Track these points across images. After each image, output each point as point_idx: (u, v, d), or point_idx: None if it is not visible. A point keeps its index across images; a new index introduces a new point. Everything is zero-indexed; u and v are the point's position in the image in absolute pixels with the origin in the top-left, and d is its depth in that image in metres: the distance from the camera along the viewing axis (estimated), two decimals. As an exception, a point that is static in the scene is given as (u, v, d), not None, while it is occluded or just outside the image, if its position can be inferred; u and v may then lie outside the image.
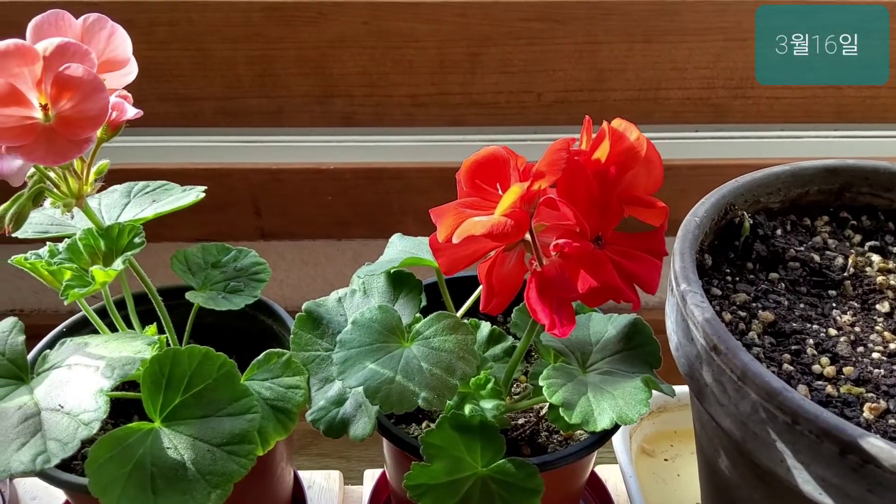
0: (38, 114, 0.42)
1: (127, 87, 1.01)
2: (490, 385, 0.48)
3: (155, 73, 0.94)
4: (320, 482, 0.70)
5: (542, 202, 0.39)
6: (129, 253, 0.49)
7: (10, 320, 0.46)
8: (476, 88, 0.97)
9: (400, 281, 0.53)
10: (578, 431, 0.54)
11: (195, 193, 0.63)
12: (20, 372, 0.44)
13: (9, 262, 0.54)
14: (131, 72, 0.51)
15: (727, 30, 0.95)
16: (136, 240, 0.50)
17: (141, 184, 0.63)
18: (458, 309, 0.58)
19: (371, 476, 0.71)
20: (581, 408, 0.43)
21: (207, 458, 0.46)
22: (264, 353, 0.54)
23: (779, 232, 0.58)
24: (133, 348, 0.42)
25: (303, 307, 0.55)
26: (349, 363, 0.45)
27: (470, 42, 0.93)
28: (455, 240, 0.40)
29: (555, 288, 0.38)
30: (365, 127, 0.99)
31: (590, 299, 0.38)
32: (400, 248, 0.54)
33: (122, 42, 0.49)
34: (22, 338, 0.45)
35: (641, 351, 0.47)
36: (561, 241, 0.38)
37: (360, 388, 0.44)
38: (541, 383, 0.44)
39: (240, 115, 0.97)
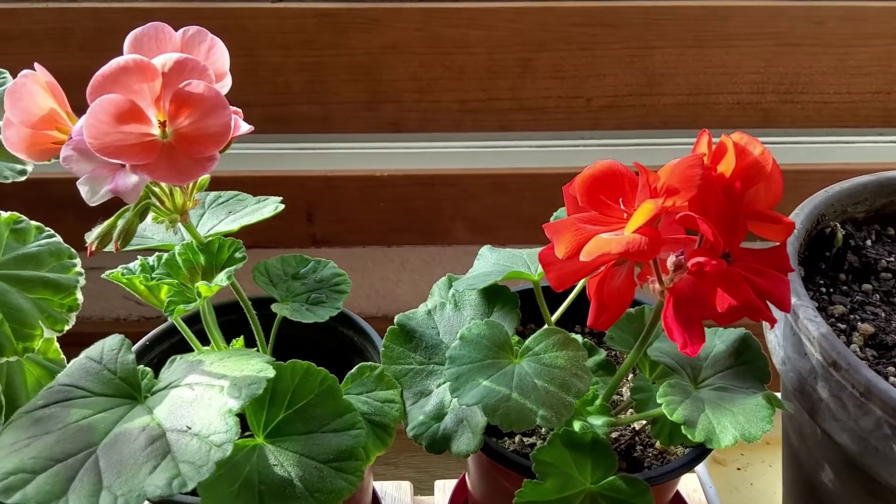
0: (156, 130, 0.41)
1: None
2: (598, 401, 0.47)
3: (205, 79, 0.94)
4: (392, 493, 0.70)
5: (678, 219, 0.38)
6: (231, 268, 0.49)
7: (118, 337, 0.46)
8: (526, 94, 0.96)
9: (494, 294, 0.53)
10: (671, 446, 0.54)
11: (273, 205, 0.62)
12: (133, 391, 0.43)
13: (102, 276, 0.53)
14: (227, 84, 0.51)
15: (779, 35, 0.95)
16: (237, 254, 0.50)
17: (213, 194, 0.63)
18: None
19: (442, 487, 0.71)
20: (702, 425, 0.42)
21: (315, 475, 0.46)
22: (357, 366, 0.54)
23: (868, 242, 0.58)
24: (253, 367, 0.42)
25: (395, 320, 0.55)
26: (462, 380, 0.45)
27: (522, 47, 0.93)
28: (584, 257, 0.39)
29: (692, 307, 0.38)
30: (412, 133, 0.98)
31: (726, 318, 0.38)
32: (493, 261, 0.54)
33: (221, 55, 0.49)
34: (132, 356, 0.44)
35: (752, 366, 0.47)
36: (700, 259, 0.37)
37: (467, 405, 0.44)
38: (658, 401, 0.44)
39: (289, 121, 0.96)
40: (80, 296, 0.52)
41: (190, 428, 0.38)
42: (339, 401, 0.48)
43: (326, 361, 0.60)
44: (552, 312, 0.54)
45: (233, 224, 0.58)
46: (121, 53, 0.99)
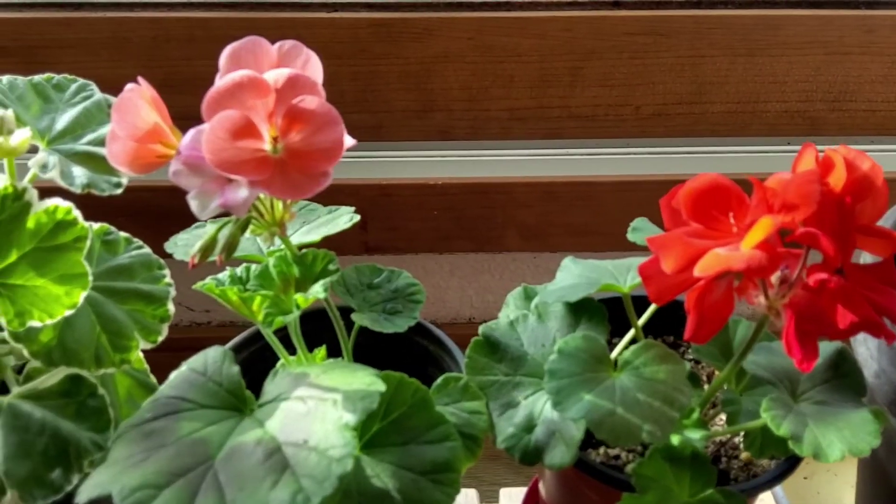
0: (268, 146, 0.42)
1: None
2: (695, 414, 0.47)
3: (257, 88, 0.94)
4: (459, 500, 0.70)
5: (798, 235, 0.38)
6: (326, 280, 0.49)
7: (220, 349, 0.46)
8: (575, 102, 0.96)
9: (580, 306, 0.53)
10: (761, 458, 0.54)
11: (347, 215, 0.63)
12: (239, 403, 0.44)
13: (193, 287, 0.54)
14: (321, 97, 0.51)
15: (828, 43, 0.95)
16: (330, 266, 0.50)
17: (285, 204, 0.63)
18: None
19: (508, 495, 0.71)
20: (809, 440, 0.42)
21: (412, 486, 0.46)
22: (442, 377, 0.54)
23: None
24: (362, 380, 0.42)
25: (479, 331, 0.55)
26: (564, 394, 0.45)
27: (573, 56, 0.93)
28: (700, 273, 0.39)
29: (812, 323, 0.38)
30: (461, 140, 0.99)
31: (844, 334, 0.38)
32: (578, 273, 0.54)
33: (316, 69, 0.49)
34: (236, 368, 0.45)
35: (849, 380, 0.47)
36: (822, 275, 0.37)
37: (572, 419, 0.44)
38: (763, 415, 0.44)
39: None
40: (171, 306, 0.52)
41: (307, 441, 0.39)
42: (432, 412, 0.49)
43: (401, 371, 0.61)
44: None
45: (313, 235, 0.59)
46: (176, 62, 1.00)
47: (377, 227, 0.95)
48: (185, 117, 0.66)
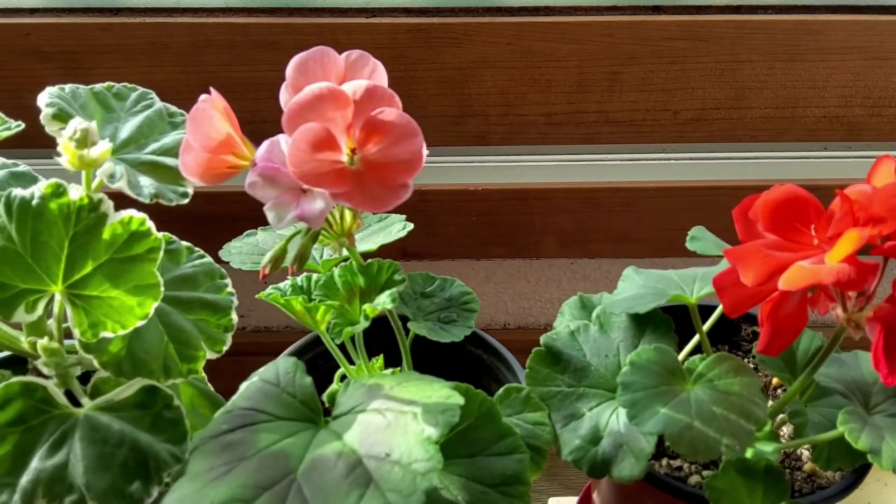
0: (346, 158, 0.42)
1: (267, 109, 1.01)
2: (767, 427, 0.47)
3: (295, 93, 0.94)
4: (507, 511, 0.70)
5: (886, 247, 0.38)
6: (392, 290, 0.49)
7: (291, 360, 0.46)
8: (613, 107, 0.96)
9: (645, 317, 0.52)
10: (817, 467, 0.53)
11: (400, 224, 0.63)
12: (313, 414, 0.43)
13: (256, 297, 0.54)
14: (399, 108, 0.51)
15: (869, 49, 0.94)
16: (396, 277, 0.50)
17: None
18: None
19: (557, 504, 0.70)
20: (888, 453, 0.42)
21: (482, 499, 0.46)
22: (503, 387, 0.54)
23: None
24: (439, 393, 0.42)
25: (541, 341, 0.55)
26: (639, 407, 0.45)
27: (612, 61, 0.93)
28: (785, 286, 0.39)
29: (902, 338, 0.38)
30: (497, 145, 0.99)
31: (935, 349, 0.37)
32: (642, 283, 0.54)
33: (382, 79, 0.49)
34: (308, 379, 0.45)
35: (923, 392, 0.46)
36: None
37: (650, 433, 0.44)
38: (840, 428, 0.43)
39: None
40: (234, 316, 0.52)
41: (389, 455, 0.39)
42: (499, 423, 0.48)
43: (454, 380, 0.61)
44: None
45: (368, 243, 0.59)
46: (215, 68, 1.00)
47: (415, 232, 0.94)
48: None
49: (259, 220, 0.66)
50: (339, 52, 0.97)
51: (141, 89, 0.56)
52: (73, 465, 0.40)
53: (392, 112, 0.41)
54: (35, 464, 0.40)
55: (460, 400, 0.41)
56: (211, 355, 0.50)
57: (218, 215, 0.96)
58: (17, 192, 0.42)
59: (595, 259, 1.00)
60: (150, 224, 0.44)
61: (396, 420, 0.40)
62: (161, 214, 0.85)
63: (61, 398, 0.43)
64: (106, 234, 0.42)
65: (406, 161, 0.41)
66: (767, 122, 0.99)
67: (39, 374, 0.52)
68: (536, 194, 0.92)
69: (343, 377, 0.57)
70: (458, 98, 0.95)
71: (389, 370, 0.55)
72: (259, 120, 0.97)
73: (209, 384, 0.57)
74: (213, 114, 0.44)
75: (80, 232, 0.42)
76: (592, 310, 0.58)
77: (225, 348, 0.51)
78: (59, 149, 0.41)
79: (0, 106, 0.94)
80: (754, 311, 0.53)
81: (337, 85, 0.41)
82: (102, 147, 0.41)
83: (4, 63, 0.91)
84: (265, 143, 0.44)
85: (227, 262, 0.59)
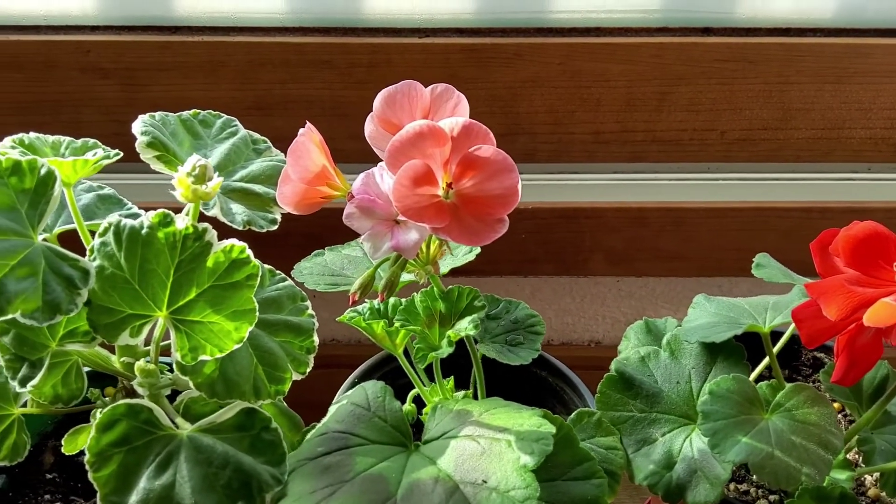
0: (441, 192, 0.43)
1: (319, 126, 1.04)
2: (841, 455, 0.48)
3: (347, 111, 0.96)
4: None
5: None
6: (473, 315, 0.50)
7: (379, 384, 0.47)
8: (660, 126, 0.97)
9: (717, 345, 0.54)
10: (882, 493, 0.54)
11: (466, 247, 0.64)
12: (404, 438, 0.45)
13: (337, 320, 0.55)
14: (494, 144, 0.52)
15: (916, 70, 0.95)
16: (476, 303, 0.51)
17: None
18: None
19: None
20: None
21: (564, 523, 0.47)
22: (575, 412, 0.55)
23: None
24: (530, 421, 0.43)
25: (613, 367, 0.56)
26: (720, 436, 0.46)
27: (662, 81, 0.94)
28: (871, 322, 0.40)
29: None
30: (543, 163, 1.00)
31: None
32: (714, 311, 0.55)
33: (465, 111, 0.50)
34: (398, 403, 0.46)
35: None
36: None
37: (732, 462, 0.45)
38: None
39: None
40: (316, 338, 0.53)
41: (486, 482, 0.40)
42: (577, 448, 0.50)
43: (519, 402, 0.62)
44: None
45: (440, 267, 0.60)
46: (269, 86, 1.02)
47: (464, 249, 0.96)
48: (276, 139, 0.67)
49: (303, 237, 0.67)
50: (393, 71, 0.99)
51: (225, 116, 0.58)
52: (180, 486, 0.42)
53: (489, 149, 0.42)
54: (143, 484, 0.42)
55: (552, 428, 0.42)
56: (296, 377, 0.52)
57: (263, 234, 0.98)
58: (127, 221, 0.44)
59: (641, 277, 1.01)
60: (249, 252, 0.46)
61: (491, 447, 0.41)
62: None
63: (165, 420, 0.45)
64: (210, 262, 0.44)
65: (501, 196, 0.42)
66: (813, 142, 0.99)
67: (128, 392, 0.54)
68: (587, 213, 0.94)
69: (416, 398, 0.58)
70: (507, 116, 0.96)
71: (461, 392, 0.57)
72: (311, 136, 0.99)
73: (285, 405, 0.58)
74: (310, 147, 0.46)
75: (186, 260, 0.44)
76: (658, 334, 0.60)
77: (308, 370, 0.53)
78: (173, 182, 0.43)
79: (59, 120, 0.97)
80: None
81: (428, 119, 0.43)
82: (215, 182, 0.42)
83: (65, 79, 0.93)
84: (361, 176, 0.45)
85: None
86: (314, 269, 0.64)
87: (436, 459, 0.42)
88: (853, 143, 1.00)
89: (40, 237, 0.43)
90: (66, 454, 0.55)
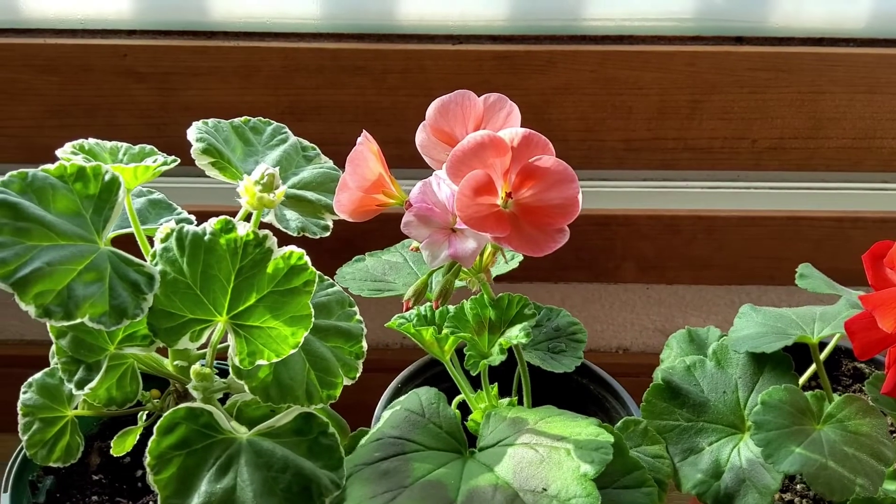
0: (500, 201, 0.43)
1: (351, 131, 1.04)
2: (891, 467, 0.48)
3: (379, 117, 0.96)
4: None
5: None
6: (523, 323, 0.51)
7: (433, 391, 0.48)
8: (692, 134, 0.97)
9: (764, 355, 0.54)
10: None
11: (509, 254, 0.64)
12: (459, 445, 0.45)
13: (386, 326, 0.56)
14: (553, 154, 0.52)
15: (949, 80, 0.95)
16: (526, 311, 0.52)
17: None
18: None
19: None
20: None
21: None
22: (621, 420, 0.55)
23: None
24: (587, 430, 0.43)
25: (660, 377, 0.56)
26: (773, 446, 0.46)
27: (694, 90, 0.94)
28: (933, 337, 0.40)
29: None
30: (574, 170, 1.00)
31: None
32: (761, 322, 0.55)
33: (517, 121, 0.51)
34: (451, 409, 0.46)
35: None
36: None
37: (786, 472, 0.45)
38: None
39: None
40: (364, 343, 0.54)
41: (546, 490, 0.40)
42: (627, 457, 0.50)
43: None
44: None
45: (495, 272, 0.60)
46: (303, 91, 1.02)
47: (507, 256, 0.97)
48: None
49: (337, 242, 0.67)
50: (426, 78, 0.99)
51: (275, 123, 0.58)
52: (241, 490, 0.42)
53: (549, 159, 0.43)
54: (204, 487, 0.42)
55: (611, 438, 0.42)
56: (347, 382, 0.52)
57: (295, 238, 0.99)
58: (189, 227, 0.44)
59: (672, 285, 1.01)
60: (307, 258, 0.46)
61: (549, 455, 0.42)
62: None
63: (225, 423, 0.45)
64: (270, 268, 0.45)
65: (560, 206, 0.43)
66: (843, 152, 0.99)
67: (179, 395, 0.54)
68: (619, 220, 0.94)
69: (461, 404, 0.58)
70: (538, 123, 0.96)
71: (505, 399, 0.57)
72: (342, 142, 0.98)
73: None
74: (368, 155, 0.46)
75: (247, 266, 0.44)
76: (700, 343, 0.60)
77: (358, 375, 0.53)
78: (238, 189, 0.43)
79: (94, 124, 0.98)
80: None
81: (481, 128, 0.43)
82: (281, 190, 0.43)
83: (101, 82, 0.94)
84: (418, 185, 0.46)
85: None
86: (356, 275, 0.65)
87: (493, 467, 0.43)
88: (884, 153, 1.00)
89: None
90: (111, 455, 0.56)
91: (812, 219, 0.97)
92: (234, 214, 0.52)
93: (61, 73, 0.92)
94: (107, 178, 0.44)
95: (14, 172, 0.43)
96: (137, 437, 0.56)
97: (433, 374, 0.64)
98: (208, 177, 0.59)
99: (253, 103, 0.96)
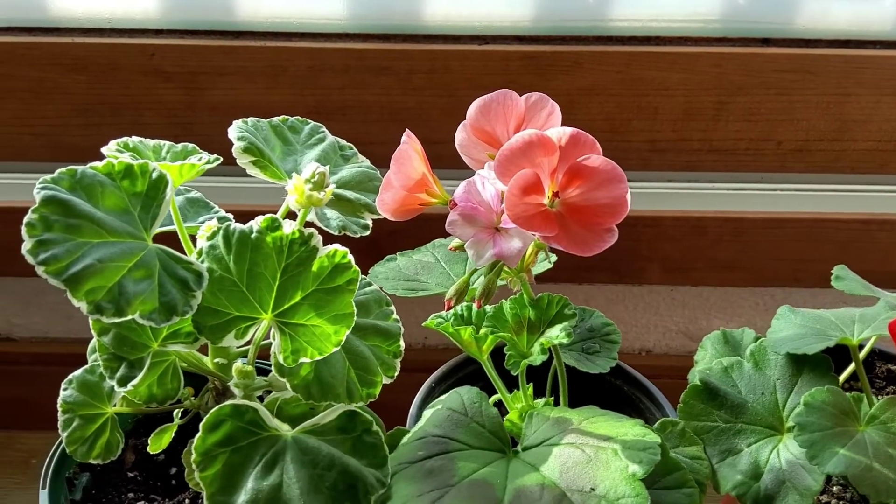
0: (546, 200, 0.43)
1: (375, 131, 1.04)
2: (936, 470, 0.48)
3: (404, 116, 0.96)
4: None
5: None
6: (564, 323, 0.50)
7: (474, 390, 0.48)
8: (717, 135, 0.97)
9: (802, 356, 0.54)
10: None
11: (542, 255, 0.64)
12: (502, 444, 0.45)
13: (423, 325, 0.56)
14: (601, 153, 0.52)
15: (975, 82, 0.95)
16: (566, 311, 0.51)
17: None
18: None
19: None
20: None
21: (655, 531, 0.47)
22: (659, 421, 0.55)
23: None
24: (633, 430, 0.43)
25: (697, 378, 0.56)
26: (817, 448, 0.46)
27: (720, 91, 0.94)
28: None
29: None
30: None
31: None
32: (800, 324, 0.55)
33: (558, 121, 0.51)
34: (495, 409, 0.46)
35: None
36: None
37: (832, 473, 0.45)
38: None
39: (478, 157, 0.99)
40: (402, 342, 0.54)
41: (594, 490, 0.40)
42: (667, 458, 0.50)
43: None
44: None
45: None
46: (329, 91, 1.03)
47: (540, 256, 0.97)
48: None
49: (363, 241, 0.67)
50: (452, 78, 0.99)
51: (312, 122, 0.59)
52: (287, 487, 0.42)
53: (598, 158, 0.43)
54: (251, 484, 0.43)
55: (657, 438, 0.42)
56: (385, 381, 0.52)
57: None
58: (236, 225, 0.44)
59: (696, 287, 1.01)
60: (350, 257, 0.46)
61: (597, 455, 0.42)
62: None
63: (271, 421, 0.45)
64: (315, 267, 0.45)
65: (608, 205, 0.43)
66: (869, 154, 0.99)
67: (218, 392, 0.55)
68: (646, 221, 0.94)
69: (495, 404, 0.58)
70: (564, 123, 0.96)
71: (541, 400, 0.57)
72: (367, 142, 0.99)
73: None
74: (412, 155, 0.46)
75: (292, 264, 0.44)
76: (735, 345, 0.60)
77: (396, 374, 0.54)
78: (287, 187, 0.43)
79: (120, 122, 0.98)
80: (888, 348, 0.54)
81: (522, 127, 0.43)
82: (330, 188, 0.43)
83: (128, 81, 0.94)
84: (462, 184, 0.46)
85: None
86: (389, 274, 0.65)
87: (538, 466, 0.43)
88: (910, 155, 0.99)
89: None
90: (146, 453, 0.56)
91: (838, 221, 0.97)
92: (264, 213, 0.52)
93: (89, 71, 0.93)
94: (154, 175, 0.44)
95: (63, 169, 0.43)
96: (173, 434, 0.56)
97: (465, 373, 0.64)
98: (235, 176, 0.59)
99: (279, 103, 0.96)
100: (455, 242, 0.49)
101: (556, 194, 0.43)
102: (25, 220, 0.40)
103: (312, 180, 0.42)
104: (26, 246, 0.39)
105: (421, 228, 0.76)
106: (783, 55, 0.93)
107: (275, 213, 0.50)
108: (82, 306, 0.40)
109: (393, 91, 0.95)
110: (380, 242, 0.81)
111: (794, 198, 1.01)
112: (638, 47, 0.93)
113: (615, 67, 0.93)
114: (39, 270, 0.39)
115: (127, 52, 0.93)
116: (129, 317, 0.40)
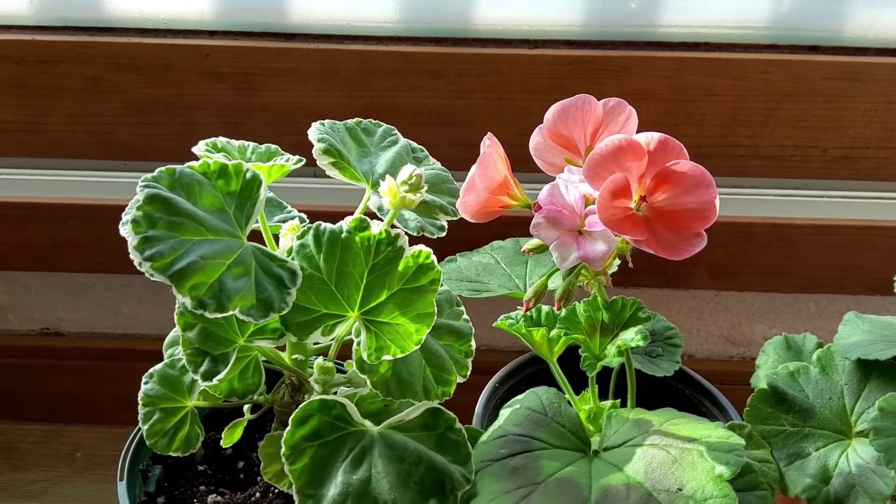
0: (633, 204, 0.44)
1: (422, 133, 1.05)
2: None
3: (452, 119, 0.97)
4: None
5: None
6: (639, 326, 0.51)
7: (552, 390, 0.48)
8: (764, 142, 0.98)
9: (870, 362, 0.54)
10: None
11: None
12: (583, 444, 0.46)
13: (494, 325, 0.56)
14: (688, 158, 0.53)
15: None
16: (640, 314, 0.52)
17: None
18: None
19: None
20: None
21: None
22: (727, 425, 0.56)
23: None
24: (716, 432, 0.44)
25: (766, 382, 0.56)
26: (893, 451, 0.46)
27: (769, 98, 0.95)
28: None
29: None
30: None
31: None
32: (867, 330, 0.56)
33: (635, 126, 0.52)
34: (574, 410, 0.47)
35: None
36: None
37: (857, 471, 0.45)
38: None
39: (523, 161, 1.00)
40: (473, 342, 0.55)
41: (681, 490, 0.41)
42: (738, 460, 0.50)
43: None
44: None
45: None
46: (379, 94, 1.04)
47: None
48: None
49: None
50: (501, 82, 1.00)
51: (384, 125, 0.60)
52: (376, 481, 0.43)
53: (686, 163, 0.43)
54: (340, 477, 0.44)
55: (742, 441, 0.43)
56: (459, 379, 0.53)
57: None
58: (326, 225, 0.45)
59: (741, 292, 1.01)
60: (434, 258, 0.47)
61: (682, 456, 0.42)
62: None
63: (357, 416, 0.46)
64: (400, 266, 0.46)
65: (697, 210, 0.43)
66: (916, 162, 0.99)
67: (294, 388, 0.56)
68: (692, 226, 0.94)
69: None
70: (610, 128, 0.97)
71: (608, 402, 0.58)
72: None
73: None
74: (496, 158, 0.47)
75: (379, 263, 0.46)
76: (798, 350, 0.60)
77: (468, 373, 0.54)
78: (382, 188, 0.45)
79: (172, 122, 0.99)
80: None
81: (605, 133, 0.44)
82: (424, 190, 0.44)
83: (182, 81, 0.96)
84: (546, 188, 0.47)
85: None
86: (451, 275, 0.66)
87: (622, 466, 0.43)
88: (956, 164, 0.99)
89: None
90: (214, 447, 0.58)
91: (885, 228, 0.97)
92: (326, 213, 0.53)
93: (143, 71, 0.94)
94: (248, 175, 0.45)
95: (162, 168, 0.44)
96: (244, 428, 0.57)
97: (527, 374, 0.65)
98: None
99: (329, 105, 0.97)
100: (529, 244, 0.50)
101: (642, 198, 0.44)
102: (130, 217, 0.41)
103: (409, 182, 0.43)
104: (132, 242, 0.40)
105: (468, 229, 0.77)
106: (831, 63, 0.93)
107: (338, 213, 0.51)
108: (186, 301, 0.41)
109: (442, 94, 0.96)
110: (425, 243, 0.82)
111: (840, 204, 1.01)
112: (687, 53, 0.94)
113: (664, 73, 0.94)
114: (145, 266, 0.40)
115: (181, 52, 0.94)
116: (230, 312, 0.41)
